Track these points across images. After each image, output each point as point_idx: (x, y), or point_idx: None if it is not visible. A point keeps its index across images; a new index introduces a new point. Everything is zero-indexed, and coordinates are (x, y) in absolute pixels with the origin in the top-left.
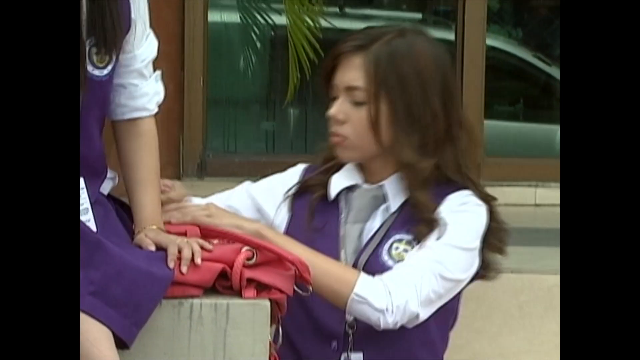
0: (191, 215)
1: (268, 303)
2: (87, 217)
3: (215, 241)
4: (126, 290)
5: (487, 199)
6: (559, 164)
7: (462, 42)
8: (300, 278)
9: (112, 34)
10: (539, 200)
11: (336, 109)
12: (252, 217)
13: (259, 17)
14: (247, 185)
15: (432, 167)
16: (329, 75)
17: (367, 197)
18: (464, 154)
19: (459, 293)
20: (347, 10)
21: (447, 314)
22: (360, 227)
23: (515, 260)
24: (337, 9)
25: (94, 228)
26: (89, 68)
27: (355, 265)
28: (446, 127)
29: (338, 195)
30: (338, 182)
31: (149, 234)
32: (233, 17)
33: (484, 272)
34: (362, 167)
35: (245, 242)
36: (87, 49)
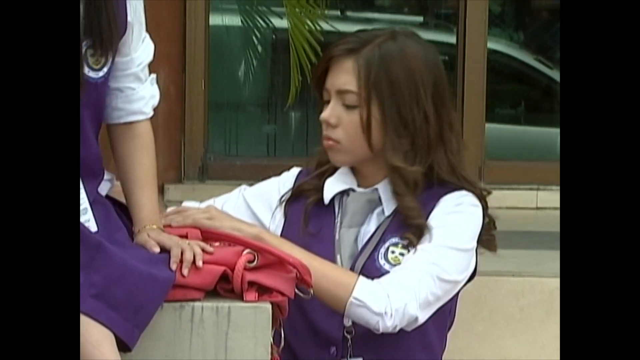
0: (192, 218)
1: (269, 306)
2: (87, 217)
3: (217, 244)
4: (128, 293)
5: (484, 196)
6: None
7: (464, 45)
8: (301, 281)
9: (108, 35)
10: (540, 204)
11: (328, 113)
12: (249, 222)
13: (260, 20)
14: (242, 190)
15: (422, 170)
16: (321, 79)
17: (362, 201)
18: (457, 155)
19: (456, 294)
20: (349, 13)
21: (444, 316)
22: (356, 231)
23: (516, 263)
24: (338, 12)
25: (93, 228)
26: (85, 69)
27: (351, 270)
28: (438, 129)
29: (332, 199)
30: (332, 186)
31: (151, 234)
32: (234, 20)
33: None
34: (356, 171)
35: (246, 244)
36: (82, 50)
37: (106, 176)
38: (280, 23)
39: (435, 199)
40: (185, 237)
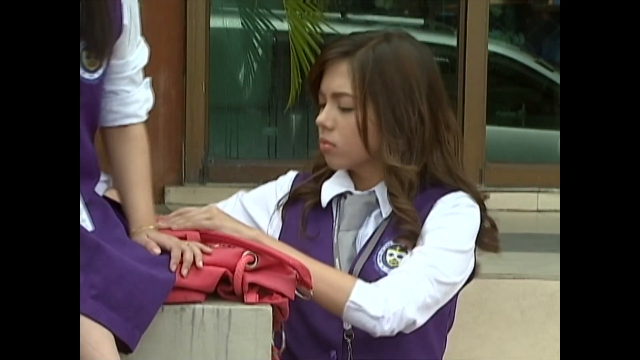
0: (193, 219)
1: (270, 308)
2: (82, 217)
3: (216, 245)
4: (128, 293)
5: (481, 198)
6: None
7: (464, 48)
8: (301, 282)
9: (104, 38)
10: (541, 206)
11: (324, 116)
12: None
13: (260, 22)
14: (240, 196)
15: (417, 171)
16: (316, 82)
17: (359, 204)
18: (453, 156)
19: (455, 295)
20: (349, 15)
21: (444, 317)
22: (354, 234)
23: (517, 265)
24: (338, 15)
25: (89, 227)
26: (80, 71)
27: (350, 273)
28: (434, 130)
29: (330, 202)
30: (329, 189)
31: (150, 235)
32: (235, 23)
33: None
34: (353, 174)
35: (246, 246)
36: None
37: (102, 177)
38: (281, 25)
39: (432, 201)
40: (185, 239)
